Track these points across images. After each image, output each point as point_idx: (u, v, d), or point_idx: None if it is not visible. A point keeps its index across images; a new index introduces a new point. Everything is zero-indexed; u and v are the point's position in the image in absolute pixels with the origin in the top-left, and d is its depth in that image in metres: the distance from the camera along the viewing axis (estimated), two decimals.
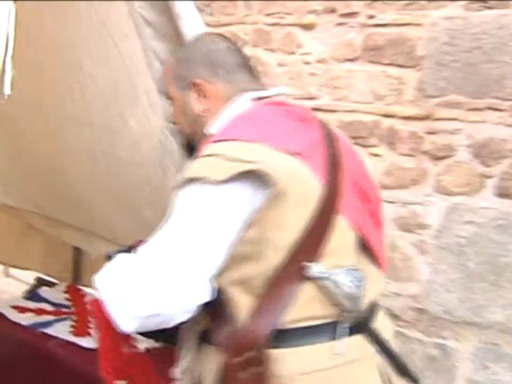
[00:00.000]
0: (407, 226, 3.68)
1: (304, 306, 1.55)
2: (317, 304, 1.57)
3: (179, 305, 1.50)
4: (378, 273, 1.77)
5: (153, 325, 1.53)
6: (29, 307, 3.26)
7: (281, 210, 1.52)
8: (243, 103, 1.73)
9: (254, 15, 4.19)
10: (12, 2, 1.66)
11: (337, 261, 1.59)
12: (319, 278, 1.55)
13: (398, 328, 3.68)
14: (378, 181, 3.74)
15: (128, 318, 1.52)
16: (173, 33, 2.15)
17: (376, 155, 3.77)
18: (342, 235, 1.62)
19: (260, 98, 1.75)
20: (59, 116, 2.38)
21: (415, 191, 3.65)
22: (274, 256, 1.53)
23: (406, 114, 3.64)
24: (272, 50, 4.14)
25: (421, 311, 3.64)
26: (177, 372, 1.70)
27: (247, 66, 1.82)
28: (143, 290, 1.50)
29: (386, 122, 3.72)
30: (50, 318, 3.16)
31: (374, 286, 1.73)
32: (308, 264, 1.54)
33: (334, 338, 1.58)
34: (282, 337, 1.53)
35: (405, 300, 3.69)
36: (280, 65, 4.12)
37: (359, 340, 1.65)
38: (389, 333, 1.78)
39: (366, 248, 1.70)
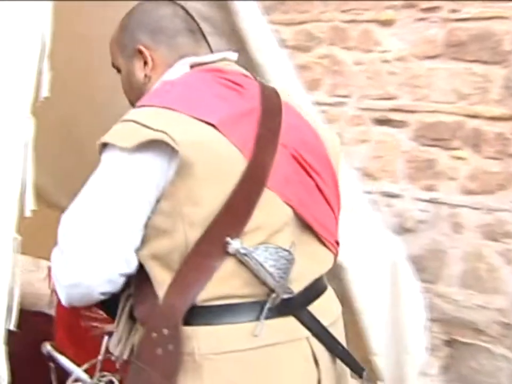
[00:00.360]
0: (493, 234, 3.50)
1: (223, 284, 1.52)
2: (238, 282, 1.53)
3: (98, 275, 1.50)
4: (323, 252, 1.70)
5: (78, 295, 1.54)
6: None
7: (191, 183, 1.49)
8: (181, 69, 1.69)
9: (330, 12, 4.08)
10: (51, 2, 1.57)
11: (265, 237, 1.54)
12: (239, 254, 1.50)
13: (482, 344, 3.49)
14: (461, 185, 3.57)
15: (58, 288, 1.55)
16: (231, 31, 2.04)
17: (459, 158, 3.62)
18: (271, 211, 1.56)
19: (199, 64, 1.70)
20: (111, 112, 2.30)
21: (502, 196, 3.47)
22: (190, 232, 1.50)
23: (492, 115, 3.48)
24: (348, 48, 4.03)
25: (507, 326, 3.44)
26: (110, 343, 1.70)
27: (193, 31, 1.76)
28: (62, 260, 1.52)
29: (471, 123, 3.56)
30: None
31: (315, 266, 1.68)
32: (228, 239, 1.49)
33: (255, 319, 1.53)
34: (200, 314, 1.52)
35: (490, 313, 3.50)
36: (357, 64, 4.01)
37: (288, 322, 1.60)
38: (332, 317, 1.72)
39: (307, 225, 1.63)
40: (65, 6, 1.89)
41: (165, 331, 1.49)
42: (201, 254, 1.50)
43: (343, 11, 4.01)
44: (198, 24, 1.77)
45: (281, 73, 2.10)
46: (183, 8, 1.78)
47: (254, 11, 2.08)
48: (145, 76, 1.72)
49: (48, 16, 1.52)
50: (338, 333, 1.73)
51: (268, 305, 1.53)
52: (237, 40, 2.03)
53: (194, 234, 1.50)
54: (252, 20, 2.03)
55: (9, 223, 1.50)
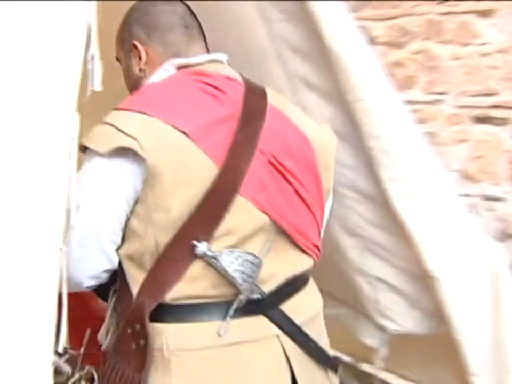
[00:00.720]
0: None
1: (191, 285, 1.61)
2: (206, 284, 1.62)
3: (83, 272, 1.61)
4: (297, 255, 1.78)
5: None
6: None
7: (159, 191, 1.57)
8: (167, 70, 1.77)
9: (424, 5, 3.86)
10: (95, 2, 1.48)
11: (236, 242, 1.63)
12: (206, 257, 1.59)
13: None
14: None
15: None
16: (304, 16, 1.90)
17: None
18: (243, 217, 1.64)
19: (186, 65, 1.77)
20: None
21: None
22: (160, 236, 1.60)
23: None
24: (444, 42, 3.82)
25: None
26: (99, 334, 1.80)
27: (188, 28, 1.82)
28: None
29: None
30: None
31: (288, 267, 1.75)
32: (194, 243, 1.58)
33: (222, 319, 1.63)
34: (169, 312, 1.62)
35: None
36: (454, 58, 3.79)
37: (258, 321, 1.69)
38: (307, 315, 1.80)
39: (282, 230, 1.72)
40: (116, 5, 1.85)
41: (137, 327, 1.59)
42: (171, 257, 1.59)
43: (438, 3, 3.80)
44: (198, 22, 1.83)
45: (361, 65, 1.95)
46: (184, 4, 1.83)
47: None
48: (140, 70, 1.81)
49: (93, 9, 1.43)
50: (316, 330, 1.81)
51: (234, 306, 1.63)
52: (310, 27, 1.89)
53: (164, 239, 1.59)
54: (325, 4, 1.88)
55: (54, 231, 1.38)
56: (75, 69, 1.40)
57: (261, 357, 1.67)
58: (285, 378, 1.70)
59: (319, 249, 1.83)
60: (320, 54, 1.93)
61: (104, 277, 1.67)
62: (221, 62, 1.80)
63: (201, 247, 1.58)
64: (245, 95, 1.73)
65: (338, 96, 1.98)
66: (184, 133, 1.60)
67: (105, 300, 1.79)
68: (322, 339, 1.82)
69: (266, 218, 1.67)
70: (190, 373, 1.62)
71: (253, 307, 1.67)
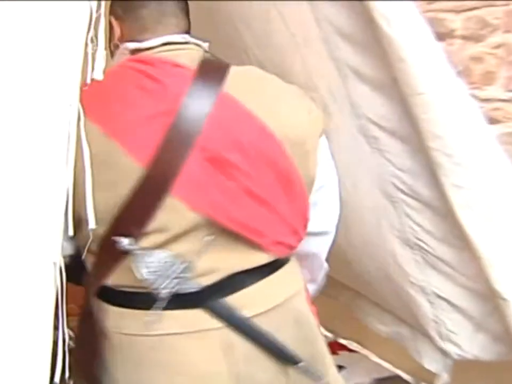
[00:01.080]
0: None
1: (124, 275, 1.70)
2: (135, 274, 1.70)
3: None
4: (248, 251, 1.76)
5: None
6: None
7: (82, 191, 1.56)
8: (123, 52, 1.78)
9: None
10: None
11: (167, 239, 1.67)
12: (129, 252, 1.66)
13: None
14: None
15: None
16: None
17: None
18: (173, 216, 1.66)
19: (138, 50, 1.75)
20: None
21: None
22: (97, 229, 1.62)
23: None
24: None
25: None
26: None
27: (162, 5, 1.78)
28: None
29: None
30: None
31: (233, 262, 1.75)
32: (117, 239, 1.65)
33: (149, 308, 1.69)
34: (110, 295, 1.74)
35: None
36: None
37: (195, 314, 1.72)
38: (263, 307, 1.77)
39: (225, 227, 1.72)
40: None
41: (88, 305, 1.74)
42: (107, 249, 1.68)
43: None
44: (176, 3, 1.79)
45: (421, 55, 1.75)
46: None
47: None
48: (115, 46, 1.81)
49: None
50: (276, 323, 1.77)
51: (162, 297, 1.68)
52: (360, 10, 1.72)
53: (101, 232, 1.65)
54: None
55: (48, 242, 1.25)
56: (76, 57, 1.29)
57: (194, 349, 1.71)
58: (220, 372, 1.72)
59: (286, 245, 1.80)
60: (374, 41, 1.75)
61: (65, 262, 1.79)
62: (179, 44, 1.76)
63: (123, 243, 1.64)
64: (191, 85, 1.67)
65: (393, 89, 1.78)
66: (108, 135, 1.61)
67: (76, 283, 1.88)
68: (286, 331, 1.79)
69: (200, 217, 1.67)
70: (127, 354, 1.73)
71: (189, 300, 1.71)
